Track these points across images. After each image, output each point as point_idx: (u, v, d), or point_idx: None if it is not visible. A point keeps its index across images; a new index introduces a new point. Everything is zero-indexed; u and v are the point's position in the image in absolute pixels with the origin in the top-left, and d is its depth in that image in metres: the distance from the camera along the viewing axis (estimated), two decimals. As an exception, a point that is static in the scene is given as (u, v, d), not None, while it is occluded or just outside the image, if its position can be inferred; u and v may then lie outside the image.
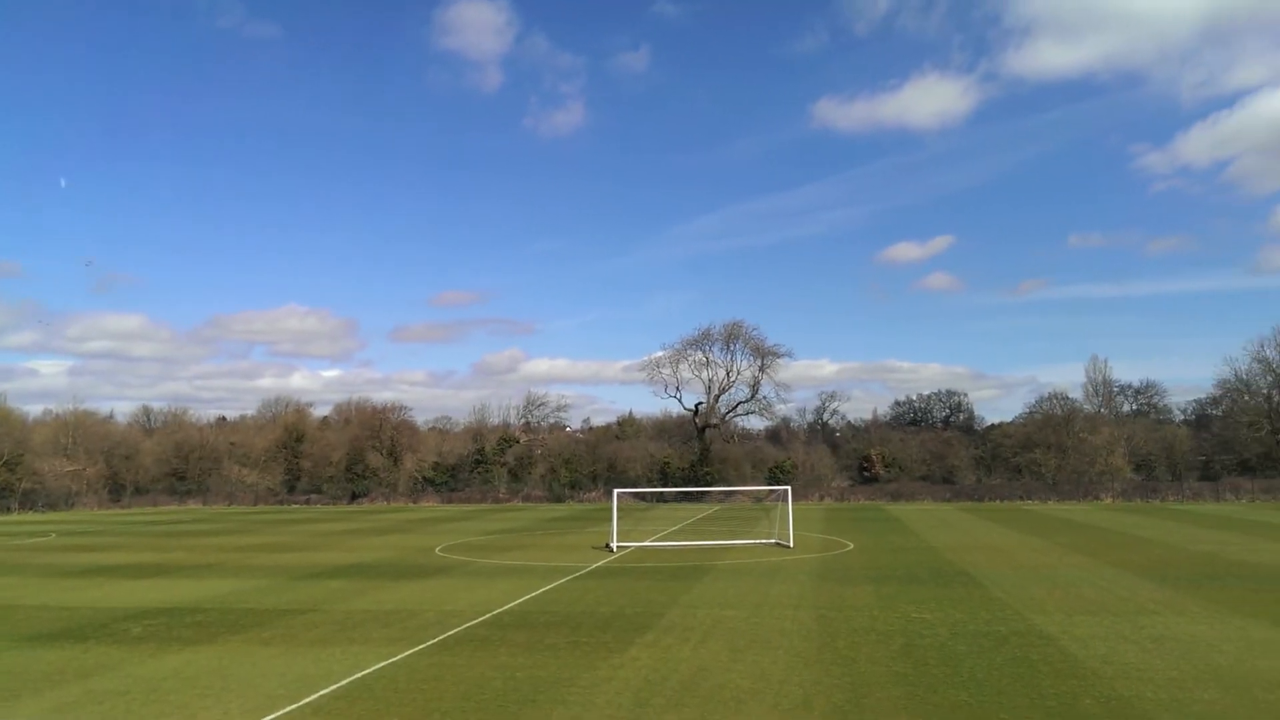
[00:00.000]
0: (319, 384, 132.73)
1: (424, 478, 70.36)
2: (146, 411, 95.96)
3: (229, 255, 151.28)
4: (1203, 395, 77.04)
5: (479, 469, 69.92)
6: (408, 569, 24.45)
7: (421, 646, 13.73)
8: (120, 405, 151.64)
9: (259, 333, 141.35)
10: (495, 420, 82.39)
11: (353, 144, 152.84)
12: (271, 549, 31.28)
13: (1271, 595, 17.59)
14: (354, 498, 68.82)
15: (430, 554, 28.38)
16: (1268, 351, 64.15)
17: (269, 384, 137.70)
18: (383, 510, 59.43)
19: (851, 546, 28.68)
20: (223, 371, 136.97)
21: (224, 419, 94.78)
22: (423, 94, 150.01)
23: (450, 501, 66.53)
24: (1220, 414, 68.72)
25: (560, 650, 13.27)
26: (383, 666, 12.42)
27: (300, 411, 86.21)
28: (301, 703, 10.63)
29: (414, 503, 67.13)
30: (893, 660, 12.29)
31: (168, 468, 74.42)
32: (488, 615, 16.47)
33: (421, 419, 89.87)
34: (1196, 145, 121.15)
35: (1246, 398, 65.09)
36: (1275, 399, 63.23)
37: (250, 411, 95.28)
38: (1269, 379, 64.04)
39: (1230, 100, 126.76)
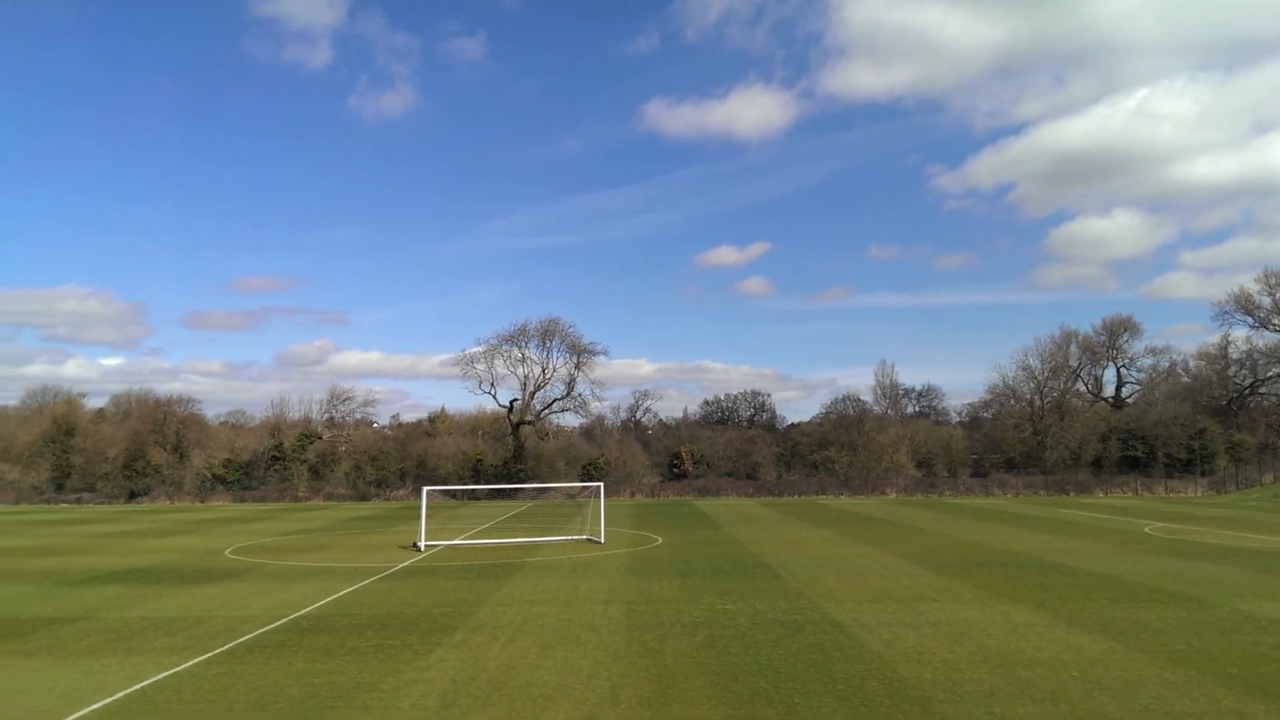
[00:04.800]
0: (97, 373, 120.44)
1: (214, 475, 65.51)
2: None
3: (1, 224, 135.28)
4: (975, 399, 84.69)
5: (276, 466, 65.91)
6: (194, 573, 22.73)
7: (208, 655, 12.81)
8: None
9: (31, 314, 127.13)
10: (296, 415, 78.00)
11: (147, 108, 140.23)
12: (36, 552, 28.17)
13: (1032, 580, 19.55)
14: (132, 496, 63.26)
15: (219, 556, 26.53)
16: (1031, 360, 71.89)
17: (39, 371, 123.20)
18: (166, 510, 55.00)
19: (660, 541, 29.35)
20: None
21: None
22: (236, 61, 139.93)
23: (243, 501, 62.48)
24: (990, 416, 75.73)
25: (362, 654, 12.76)
26: (164, 677, 11.49)
27: (71, 402, 78.26)
28: (70, 718, 9.68)
29: (202, 502, 62.60)
30: (697, 651, 12.66)
31: (-90, 462, 65.52)
32: (283, 620, 15.59)
33: (214, 413, 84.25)
34: (984, 169, 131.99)
35: (1012, 402, 72.19)
36: (1036, 403, 70.52)
37: (14, 401, 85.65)
38: (1031, 385, 71.57)
39: (1016, 129, 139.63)
